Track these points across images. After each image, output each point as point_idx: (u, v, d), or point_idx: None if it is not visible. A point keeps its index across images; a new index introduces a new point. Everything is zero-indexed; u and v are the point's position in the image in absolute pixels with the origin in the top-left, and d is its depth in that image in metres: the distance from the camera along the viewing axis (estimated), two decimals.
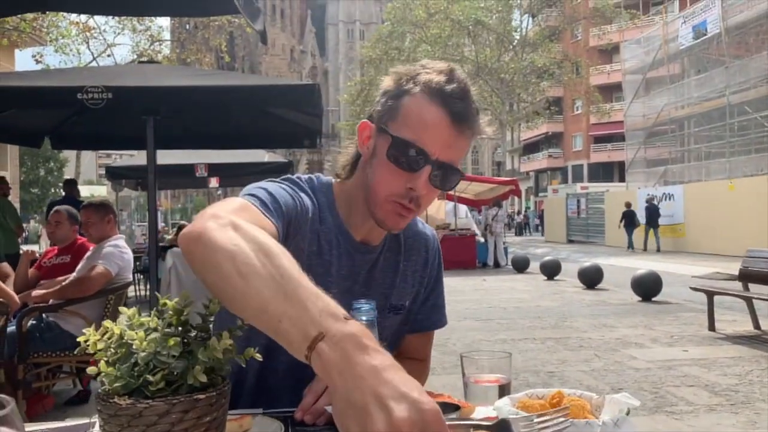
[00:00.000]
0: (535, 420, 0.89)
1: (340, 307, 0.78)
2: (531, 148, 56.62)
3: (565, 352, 5.98)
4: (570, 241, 29.42)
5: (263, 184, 1.22)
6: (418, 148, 1.17)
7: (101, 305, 4.00)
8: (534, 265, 14.39)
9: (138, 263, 8.98)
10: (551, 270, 12.91)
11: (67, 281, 4.00)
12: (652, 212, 21.27)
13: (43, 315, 3.94)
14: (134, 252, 5.46)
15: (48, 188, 31.62)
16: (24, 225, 8.60)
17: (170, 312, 0.84)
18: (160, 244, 7.33)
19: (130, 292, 5.68)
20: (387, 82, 1.25)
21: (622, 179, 36.02)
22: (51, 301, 3.92)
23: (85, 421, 1.14)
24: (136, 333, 0.80)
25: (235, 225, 0.91)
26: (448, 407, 1.00)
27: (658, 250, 21.09)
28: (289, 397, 1.30)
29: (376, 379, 0.68)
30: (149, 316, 0.85)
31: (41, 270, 4.54)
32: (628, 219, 22.34)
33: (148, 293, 8.14)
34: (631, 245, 22.49)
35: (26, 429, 1.12)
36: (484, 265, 16.74)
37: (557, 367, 5.40)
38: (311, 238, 1.28)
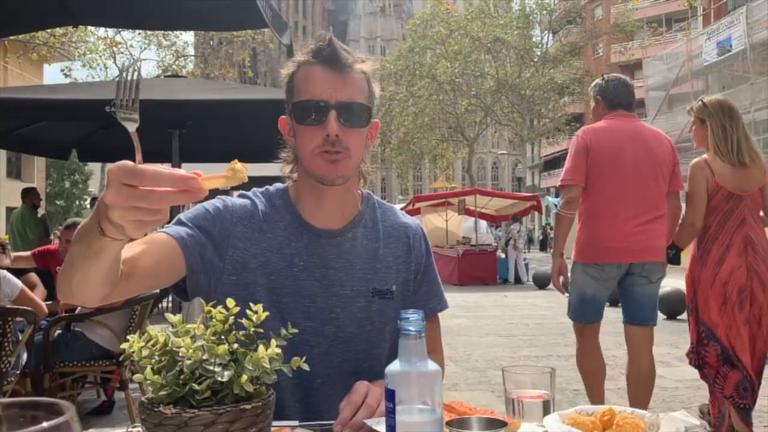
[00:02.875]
0: None
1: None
2: (551, 164, 56.23)
3: None
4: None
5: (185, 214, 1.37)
6: (315, 101, 1.31)
7: (127, 316, 4.01)
8: None
9: None
10: None
11: None
12: None
13: (70, 325, 3.96)
14: None
15: (73, 200, 32.03)
16: (51, 237, 8.64)
17: (216, 320, 0.83)
18: None
19: (151, 303, 5.70)
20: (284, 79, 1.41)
21: None
22: (77, 311, 3.94)
23: (122, 430, 1.13)
24: (183, 340, 0.78)
25: None
26: (495, 423, 0.97)
27: None
28: (295, 405, 1.34)
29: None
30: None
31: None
32: None
33: (170, 305, 8.17)
34: None
35: None
36: (504, 281, 16.61)
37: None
38: (258, 237, 1.38)
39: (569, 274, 3.54)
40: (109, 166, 0.86)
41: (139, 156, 0.86)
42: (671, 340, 7.42)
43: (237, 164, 0.85)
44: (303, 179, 1.41)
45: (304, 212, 1.42)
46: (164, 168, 0.81)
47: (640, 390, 3.39)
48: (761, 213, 3.44)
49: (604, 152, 3.36)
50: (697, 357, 3.47)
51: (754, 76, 21.91)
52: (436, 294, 1.54)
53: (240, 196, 1.46)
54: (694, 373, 5.89)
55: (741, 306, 3.25)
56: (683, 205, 3.48)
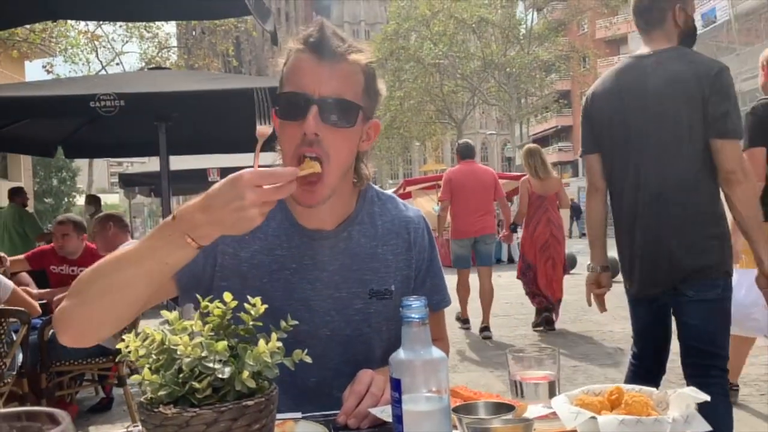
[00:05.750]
0: None
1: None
2: (540, 142, 56.14)
3: (587, 345, 5.92)
4: (583, 235, 29.26)
5: None
6: (296, 93, 1.20)
7: None
8: None
9: None
10: (567, 264, 12.78)
11: None
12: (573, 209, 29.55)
13: None
14: None
15: (62, 198, 31.79)
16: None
17: (213, 315, 0.81)
18: None
19: None
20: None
21: None
22: None
23: (122, 431, 1.11)
24: (180, 338, 0.76)
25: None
26: (503, 407, 0.95)
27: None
28: (288, 403, 1.26)
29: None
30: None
31: (54, 279, 4.53)
32: (574, 211, 29.28)
33: (165, 301, 8.13)
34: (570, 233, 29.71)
35: None
36: (497, 261, 16.62)
37: (581, 361, 5.34)
38: (247, 240, 1.31)
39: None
40: (223, 182, 0.99)
41: (257, 161, 1.00)
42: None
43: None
44: None
45: (295, 211, 1.33)
46: (279, 167, 1.02)
47: (487, 297, 6.74)
48: (558, 204, 6.61)
49: (458, 184, 6.60)
50: (523, 278, 6.87)
51: (740, 47, 21.93)
52: (440, 289, 1.47)
53: None
54: None
55: (544, 251, 6.55)
56: (510, 203, 7.76)
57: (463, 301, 7.02)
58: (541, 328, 6.79)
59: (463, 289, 6.94)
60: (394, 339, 1.34)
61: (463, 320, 7.11)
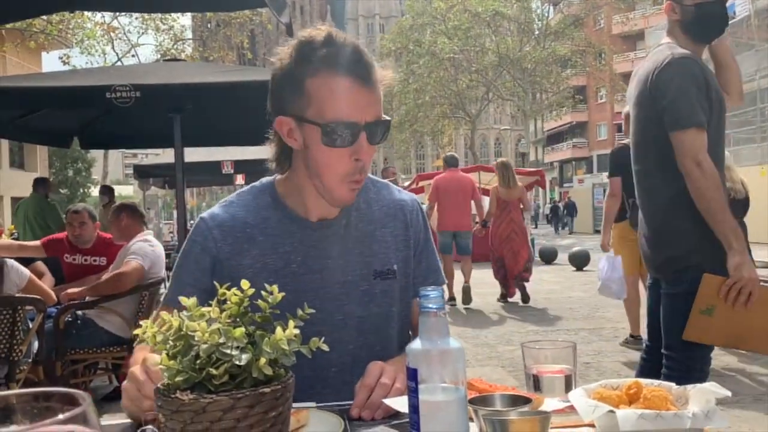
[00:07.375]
0: None
1: None
2: (555, 138, 56.00)
3: (600, 342, 5.88)
4: (597, 231, 29.07)
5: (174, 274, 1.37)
6: (348, 123, 1.21)
7: (136, 302, 4.02)
8: (562, 257, 14.19)
9: (167, 260, 9.00)
10: (580, 261, 12.69)
11: (102, 278, 4.02)
12: (569, 206, 31.44)
13: (79, 312, 3.96)
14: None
15: (77, 188, 32.06)
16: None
17: (231, 302, 0.81)
18: None
19: (161, 288, 5.71)
20: (278, 71, 1.28)
21: None
22: (87, 298, 3.94)
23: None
24: (198, 324, 0.76)
25: None
26: (520, 400, 0.95)
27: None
28: (310, 393, 1.28)
29: None
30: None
31: (67, 269, 4.54)
32: (569, 209, 31.07)
33: None
34: (572, 231, 30.82)
35: None
36: None
37: (593, 358, 5.31)
38: (247, 247, 1.35)
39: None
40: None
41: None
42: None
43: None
44: (305, 183, 1.34)
45: (296, 207, 1.37)
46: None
47: (467, 270, 8.43)
48: (521, 207, 8.41)
49: (442, 188, 8.29)
50: (494, 265, 8.59)
51: (759, 42, 21.64)
52: (435, 269, 1.52)
53: (221, 206, 1.41)
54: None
55: (506, 241, 8.27)
56: (485, 204, 8.78)
57: (449, 285, 8.37)
58: (505, 300, 8.67)
59: (448, 275, 7.98)
60: (405, 320, 1.48)
61: (449, 298, 8.43)
